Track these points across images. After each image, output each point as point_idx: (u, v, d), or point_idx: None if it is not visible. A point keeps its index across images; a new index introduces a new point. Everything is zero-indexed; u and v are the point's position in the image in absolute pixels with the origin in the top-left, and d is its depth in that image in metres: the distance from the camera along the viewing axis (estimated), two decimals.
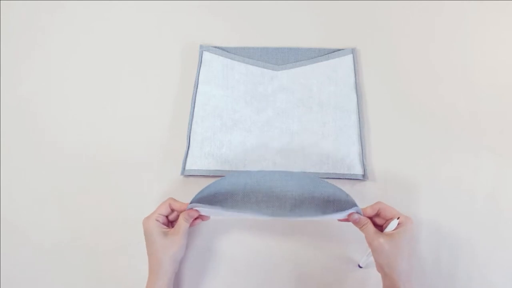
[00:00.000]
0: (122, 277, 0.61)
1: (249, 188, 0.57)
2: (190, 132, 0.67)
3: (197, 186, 0.64)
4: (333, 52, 0.71)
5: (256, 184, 0.57)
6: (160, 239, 0.52)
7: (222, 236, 0.61)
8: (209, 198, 0.57)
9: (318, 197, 0.56)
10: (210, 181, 0.64)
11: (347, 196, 0.54)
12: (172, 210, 0.55)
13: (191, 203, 0.54)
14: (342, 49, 0.71)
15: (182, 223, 0.53)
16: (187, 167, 0.65)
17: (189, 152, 0.66)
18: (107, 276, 0.61)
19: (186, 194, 0.64)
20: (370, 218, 0.54)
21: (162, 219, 0.54)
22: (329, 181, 0.63)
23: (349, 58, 0.71)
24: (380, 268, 0.53)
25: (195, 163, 0.65)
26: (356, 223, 0.53)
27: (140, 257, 0.62)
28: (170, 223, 0.57)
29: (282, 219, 0.58)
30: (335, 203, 0.55)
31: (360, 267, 0.58)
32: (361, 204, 0.63)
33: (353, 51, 0.71)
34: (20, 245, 0.62)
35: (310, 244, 0.60)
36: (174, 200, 0.55)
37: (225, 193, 0.57)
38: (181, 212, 0.54)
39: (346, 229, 0.58)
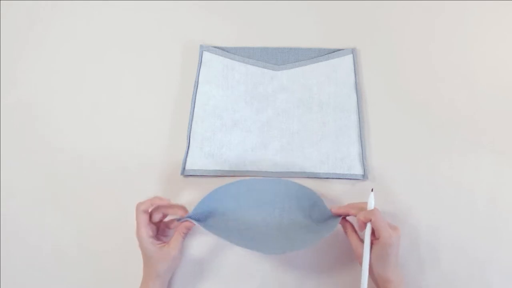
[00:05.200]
0: (123, 278, 0.61)
1: (241, 196, 0.60)
2: (190, 132, 0.67)
3: (197, 186, 0.65)
4: (333, 52, 0.71)
5: (247, 192, 0.60)
6: (156, 253, 0.53)
7: (215, 244, 0.61)
8: (205, 209, 0.58)
9: (303, 204, 0.60)
10: (210, 181, 0.65)
11: (326, 208, 0.58)
12: (147, 212, 0.56)
13: (187, 217, 0.56)
14: (342, 49, 0.71)
15: (179, 239, 0.55)
16: (187, 167, 0.65)
17: (189, 152, 0.66)
18: (107, 277, 0.61)
19: (186, 194, 0.64)
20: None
21: (151, 230, 0.55)
22: (329, 181, 0.64)
23: (349, 58, 0.71)
24: (374, 280, 0.53)
25: (195, 163, 0.65)
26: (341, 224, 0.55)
27: (139, 258, 0.62)
28: (158, 228, 0.58)
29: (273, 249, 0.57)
30: (316, 210, 0.59)
31: None
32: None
33: (353, 51, 0.71)
34: (19, 247, 0.62)
35: (306, 254, 0.60)
36: (141, 203, 0.55)
37: (218, 200, 0.59)
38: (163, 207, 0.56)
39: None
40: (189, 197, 0.64)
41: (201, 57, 0.71)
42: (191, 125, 0.67)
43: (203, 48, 0.72)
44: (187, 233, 0.56)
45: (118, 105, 0.70)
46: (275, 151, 0.66)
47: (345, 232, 0.55)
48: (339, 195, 0.63)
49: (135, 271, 0.61)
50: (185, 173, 0.64)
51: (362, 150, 0.65)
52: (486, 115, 0.67)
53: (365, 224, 0.51)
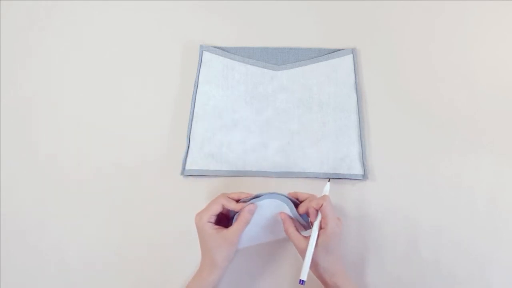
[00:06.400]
0: (122, 279, 0.61)
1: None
2: (190, 132, 0.67)
3: (197, 186, 0.65)
4: (333, 52, 0.71)
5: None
6: (213, 237, 0.52)
7: None
8: None
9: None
10: (210, 181, 0.65)
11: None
12: (224, 207, 0.54)
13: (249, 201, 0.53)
14: (342, 49, 0.71)
15: (241, 224, 0.52)
16: (187, 167, 0.65)
17: (189, 152, 0.66)
18: (106, 278, 0.61)
19: (186, 194, 0.64)
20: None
21: (214, 218, 0.54)
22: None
23: (349, 58, 0.71)
24: (319, 277, 0.53)
25: (195, 163, 0.65)
26: (283, 223, 0.55)
27: (138, 258, 0.62)
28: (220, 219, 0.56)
29: None
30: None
31: (302, 281, 0.50)
32: (361, 205, 0.63)
33: (353, 51, 0.71)
34: (19, 247, 0.62)
35: None
36: (228, 199, 0.54)
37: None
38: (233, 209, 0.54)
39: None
40: (189, 197, 0.64)
41: (201, 57, 0.71)
42: (191, 125, 0.67)
43: (203, 48, 0.72)
44: (250, 218, 0.53)
45: (118, 105, 0.70)
46: (275, 151, 0.66)
47: (286, 229, 0.54)
48: (339, 195, 0.63)
49: (133, 272, 0.61)
50: (185, 173, 0.64)
51: (362, 150, 0.65)
52: (486, 115, 0.67)
53: (317, 212, 0.53)
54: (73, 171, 0.66)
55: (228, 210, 0.56)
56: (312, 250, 0.51)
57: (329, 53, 0.71)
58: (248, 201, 0.54)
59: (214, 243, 0.52)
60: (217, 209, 0.53)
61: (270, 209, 0.55)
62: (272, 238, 0.59)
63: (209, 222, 0.53)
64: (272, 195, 0.54)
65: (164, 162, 0.66)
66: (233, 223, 0.53)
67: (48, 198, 0.65)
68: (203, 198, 0.64)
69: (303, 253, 0.52)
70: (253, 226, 0.55)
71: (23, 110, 0.70)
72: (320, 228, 0.52)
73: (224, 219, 0.57)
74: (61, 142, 0.68)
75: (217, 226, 0.53)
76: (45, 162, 0.66)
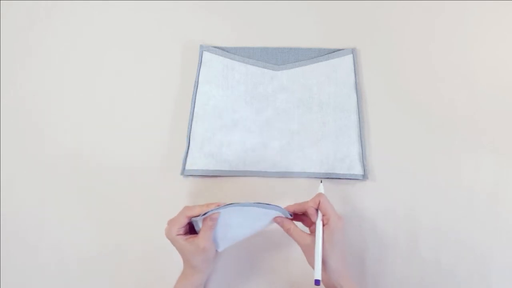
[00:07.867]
0: (122, 278, 0.61)
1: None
2: (190, 132, 0.67)
3: (197, 186, 0.65)
4: (333, 52, 0.71)
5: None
6: (186, 247, 0.52)
7: None
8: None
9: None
10: (210, 181, 0.65)
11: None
12: (190, 218, 0.54)
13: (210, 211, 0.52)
14: (342, 49, 0.71)
15: (207, 230, 0.52)
16: (187, 167, 0.65)
17: (189, 152, 0.66)
18: (107, 278, 0.61)
19: (186, 194, 0.64)
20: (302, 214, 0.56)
21: (183, 230, 0.53)
22: (329, 181, 0.64)
23: (349, 58, 0.71)
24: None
25: (195, 163, 0.65)
26: (281, 226, 0.55)
27: (138, 258, 0.62)
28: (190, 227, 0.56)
29: None
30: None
31: (317, 281, 0.49)
32: (361, 205, 0.63)
33: (353, 51, 0.71)
34: (19, 247, 0.62)
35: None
36: (190, 208, 0.54)
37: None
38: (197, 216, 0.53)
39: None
40: (189, 197, 0.64)
41: (201, 57, 0.71)
42: (191, 125, 0.67)
43: (203, 48, 0.72)
44: (213, 224, 0.53)
45: (118, 105, 0.70)
46: (275, 151, 0.66)
47: (287, 230, 0.54)
48: (339, 195, 0.63)
49: (133, 272, 0.61)
50: (185, 173, 0.64)
51: (362, 150, 0.65)
52: (486, 115, 0.67)
53: (316, 212, 0.53)
54: (73, 171, 0.66)
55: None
56: (320, 246, 0.51)
57: (329, 53, 0.71)
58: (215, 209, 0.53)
59: (188, 252, 0.53)
60: (183, 221, 0.53)
61: (249, 214, 0.54)
62: (252, 233, 0.57)
63: (178, 234, 0.53)
64: (242, 204, 0.52)
65: (164, 162, 0.66)
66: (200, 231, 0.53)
67: (48, 198, 0.65)
68: (203, 198, 0.64)
69: (307, 248, 0.52)
70: (228, 228, 0.54)
71: (23, 110, 0.70)
72: (323, 225, 0.53)
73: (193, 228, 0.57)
74: (61, 142, 0.68)
75: (187, 236, 0.53)
76: (45, 162, 0.66)
